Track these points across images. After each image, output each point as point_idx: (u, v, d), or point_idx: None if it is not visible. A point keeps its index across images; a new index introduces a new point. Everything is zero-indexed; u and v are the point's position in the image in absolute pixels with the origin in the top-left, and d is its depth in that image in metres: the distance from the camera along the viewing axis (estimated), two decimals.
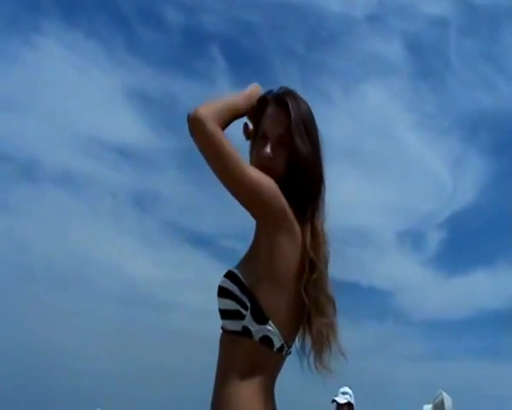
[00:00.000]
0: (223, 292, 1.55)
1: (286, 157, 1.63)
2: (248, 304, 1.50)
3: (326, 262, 1.62)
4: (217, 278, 1.67)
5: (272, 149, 1.64)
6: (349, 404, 5.79)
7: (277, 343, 1.53)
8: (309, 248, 1.57)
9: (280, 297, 1.53)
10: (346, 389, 5.88)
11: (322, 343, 1.59)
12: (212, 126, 1.49)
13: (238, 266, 1.58)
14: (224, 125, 1.56)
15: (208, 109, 1.51)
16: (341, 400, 5.77)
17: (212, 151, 1.51)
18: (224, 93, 1.65)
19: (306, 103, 1.71)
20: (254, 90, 1.73)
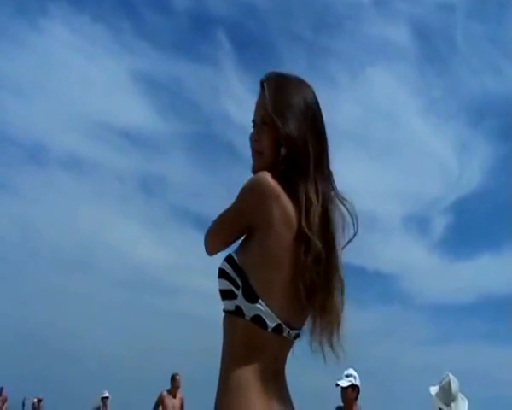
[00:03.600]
0: (219, 273, 1.60)
1: (270, 136, 1.66)
2: (240, 283, 1.54)
3: (329, 240, 1.61)
4: None
5: (256, 131, 1.70)
6: (353, 386, 5.79)
7: (271, 323, 1.53)
8: (304, 226, 1.55)
9: (273, 278, 1.54)
10: (351, 371, 5.85)
11: (326, 329, 1.61)
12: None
13: (236, 248, 1.63)
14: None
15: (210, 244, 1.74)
16: (344, 383, 5.76)
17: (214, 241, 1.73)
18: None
19: (290, 78, 1.72)
20: None
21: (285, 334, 1.57)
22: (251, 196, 1.57)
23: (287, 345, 1.61)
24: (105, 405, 14.58)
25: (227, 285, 1.57)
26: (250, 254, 1.56)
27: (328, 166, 1.68)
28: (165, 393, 10.04)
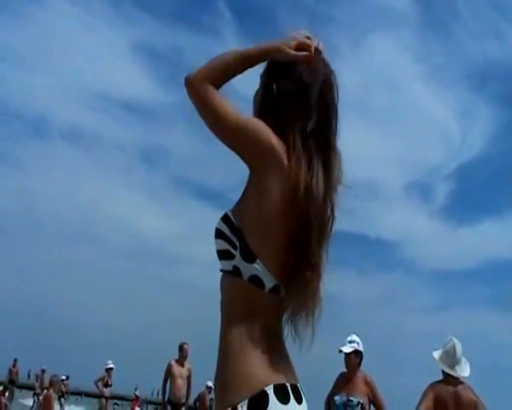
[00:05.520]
0: (216, 233, 1.60)
1: None
2: (237, 243, 1.54)
3: (318, 196, 1.57)
4: None
5: None
6: (356, 352, 5.85)
7: (269, 283, 1.54)
8: (293, 180, 1.54)
9: (271, 237, 1.54)
10: (354, 337, 5.92)
11: (301, 299, 1.58)
12: (201, 87, 1.63)
13: (233, 208, 1.61)
14: (218, 82, 1.65)
15: (198, 72, 1.65)
16: (347, 349, 5.82)
17: (201, 106, 1.64)
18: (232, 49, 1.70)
19: None
20: (267, 46, 1.71)
21: (283, 294, 1.57)
22: (259, 140, 1.56)
23: (285, 305, 1.61)
24: (109, 375, 14.81)
25: (224, 245, 1.57)
26: (247, 213, 1.56)
27: (309, 116, 1.64)
28: (173, 362, 10.23)
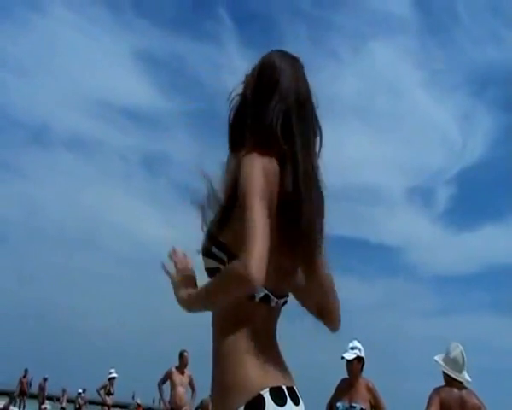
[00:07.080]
0: (204, 252, 1.62)
1: None
2: (227, 260, 1.55)
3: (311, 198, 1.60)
4: None
5: None
6: (358, 358, 5.84)
7: (258, 294, 1.55)
8: (284, 189, 1.57)
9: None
10: (355, 343, 5.90)
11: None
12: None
13: (217, 224, 1.61)
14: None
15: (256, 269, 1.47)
16: (350, 356, 5.81)
17: None
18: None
19: (270, 54, 1.72)
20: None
21: (273, 304, 1.60)
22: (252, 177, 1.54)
23: (275, 313, 1.64)
24: (111, 384, 14.82)
25: (214, 264, 1.58)
26: (236, 229, 1.52)
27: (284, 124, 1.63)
28: (173, 369, 10.19)
